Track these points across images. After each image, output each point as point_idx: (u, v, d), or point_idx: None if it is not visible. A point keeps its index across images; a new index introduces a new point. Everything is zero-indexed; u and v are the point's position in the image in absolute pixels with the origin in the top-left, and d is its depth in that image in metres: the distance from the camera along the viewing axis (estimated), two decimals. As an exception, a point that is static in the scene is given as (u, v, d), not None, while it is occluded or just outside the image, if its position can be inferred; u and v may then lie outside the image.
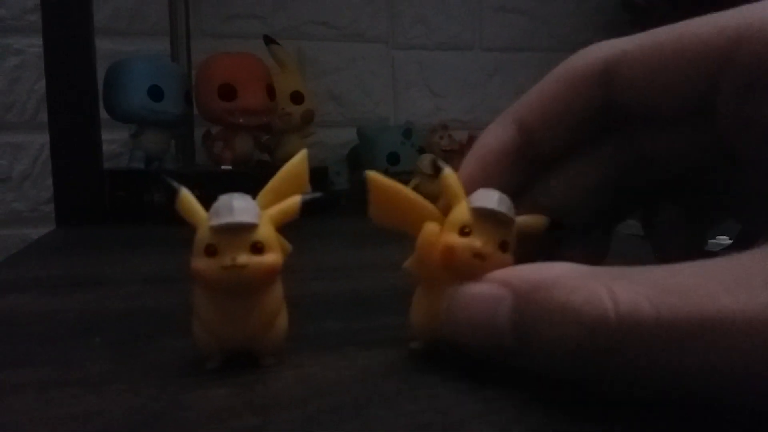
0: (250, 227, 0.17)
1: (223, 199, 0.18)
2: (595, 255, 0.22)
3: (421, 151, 0.70)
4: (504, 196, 0.18)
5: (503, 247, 0.18)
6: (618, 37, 0.20)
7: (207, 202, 0.18)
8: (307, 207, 0.19)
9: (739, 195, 0.21)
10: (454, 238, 0.18)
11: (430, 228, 0.18)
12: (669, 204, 0.22)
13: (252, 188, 0.19)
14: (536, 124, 0.20)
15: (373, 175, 0.19)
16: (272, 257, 0.18)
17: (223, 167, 0.58)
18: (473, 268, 0.17)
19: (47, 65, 0.50)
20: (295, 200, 0.19)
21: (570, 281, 0.14)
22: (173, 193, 0.18)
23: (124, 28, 0.74)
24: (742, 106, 0.17)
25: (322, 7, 0.79)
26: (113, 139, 0.70)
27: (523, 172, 0.21)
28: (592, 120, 0.19)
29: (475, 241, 0.17)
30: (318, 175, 0.64)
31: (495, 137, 0.20)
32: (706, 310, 0.12)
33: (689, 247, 0.22)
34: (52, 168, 0.51)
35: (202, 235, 0.17)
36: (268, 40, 0.67)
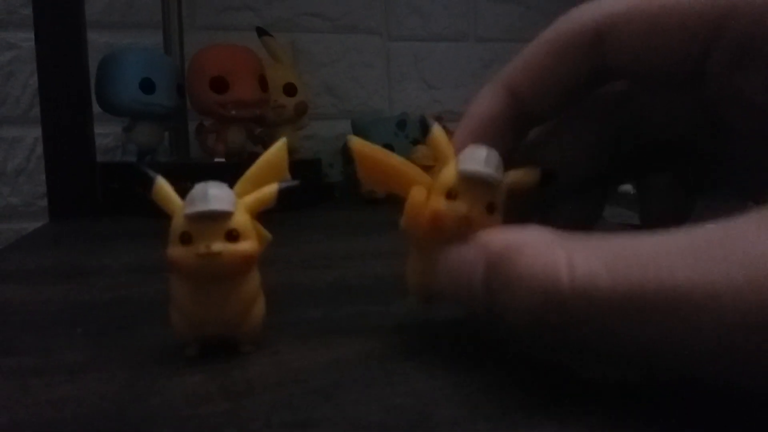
0: (224, 215, 0.17)
1: (199, 188, 0.18)
2: (588, 215, 0.23)
3: (416, 142, 0.70)
4: (493, 153, 0.18)
5: (490, 208, 0.18)
6: None
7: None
8: (284, 195, 0.19)
9: (727, 163, 0.21)
10: (440, 203, 0.18)
11: (417, 193, 0.18)
12: (660, 170, 0.22)
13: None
14: (527, 89, 0.20)
15: (356, 142, 0.19)
16: (247, 245, 0.18)
17: (216, 160, 0.58)
18: (460, 232, 0.17)
19: (39, 59, 0.51)
20: (272, 188, 0.19)
21: (534, 248, 0.15)
22: (149, 183, 0.18)
23: (117, 21, 0.74)
24: (731, 76, 0.17)
25: (316, -1, 0.79)
26: (107, 132, 0.70)
27: (516, 136, 0.21)
28: (583, 83, 0.19)
29: (461, 206, 0.17)
30: (312, 168, 0.64)
31: (486, 103, 0.20)
32: (664, 282, 0.12)
33: (677, 213, 0.22)
34: (45, 161, 0.51)
35: (177, 223, 0.18)
36: (261, 32, 0.67)
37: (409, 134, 0.71)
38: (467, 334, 0.21)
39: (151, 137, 0.57)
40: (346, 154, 0.77)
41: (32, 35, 0.70)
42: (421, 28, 0.85)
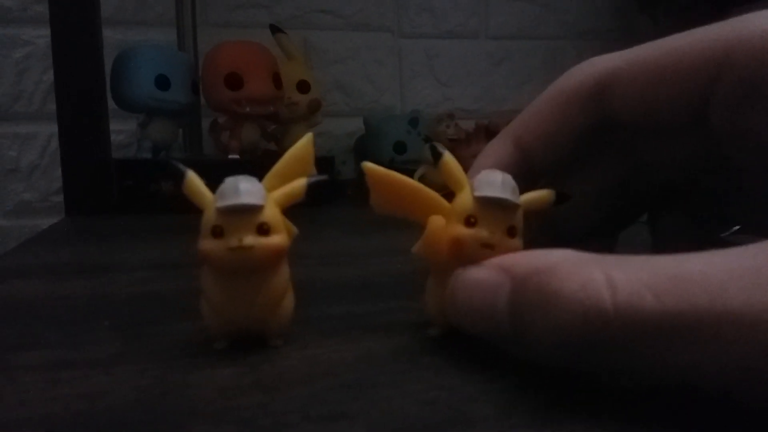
0: (256, 209, 0.17)
1: (230, 181, 0.18)
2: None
3: (428, 140, 0.70)
4: (507, 177, 0.18)
5: (511, 232, 0.18)
6: (612, 52, 0.20)
7: (213, 191, 0.18)
8: (312, 189, 0.19)
9: (738, 200, 0.21)
10: (460, 230, 0.17)
11: (436, 221, 0.18)
12: (673, 209, 0.22)
13: (259, 177, 0.19)
14: (533, 142, 0.20)
15: (370, 166, 0.19)
16: (278, 238, 0.18)
17: (230, 156, 0.58)
18: (482, 257, 0.17)
19: (55, 56, 0.51)
20: (300, 182, 0.19)
21: (567, 267, 0.14)
22: (180, 177, 0.18)
23: (130, 18, 0.74)
24: (734, 117, 0.17)
25: (328, -4, 0.79)
26: (121, 129, 0.70)
27: (524, 188, 0.21)
28: (587, 136, 0.20)
29: (482, 232, 0.17)
30: (324, 165, 0.64)
31: (494, 155, 0.21)
32: (714, 304, 0.12)
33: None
34: (61, 158, 0.51)
35: (209, 217, 0.18)
36: (275, 29, 0.67)
37: (421, 131, 0.71)
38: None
39: (165, 134, 0.57)
40: (358, 151, 0.77)
41: (45, 32, 0.71)
42: (433, 26, 0.84)
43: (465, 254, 0.17)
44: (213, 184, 0.18)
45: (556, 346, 0.14)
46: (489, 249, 0.17)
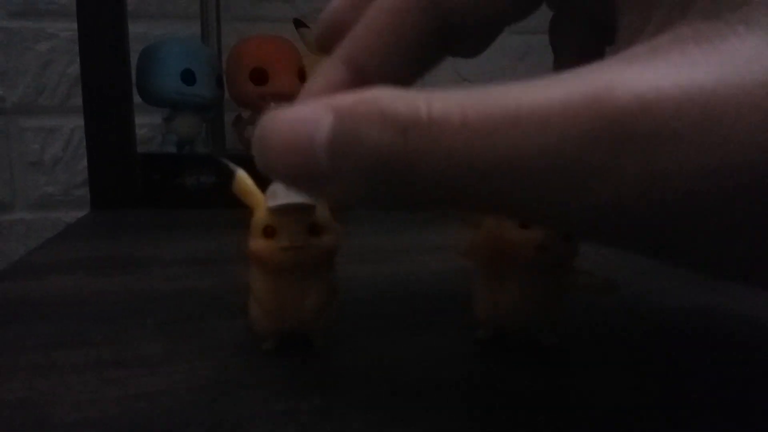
0: (308, 208, 0.17)
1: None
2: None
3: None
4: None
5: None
6: None
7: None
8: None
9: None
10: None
11: (488, 226, 0.18)
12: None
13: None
14: (368, 60, 0.19)
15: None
16: (329, 239, 0.18)
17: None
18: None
19: (82, 49, 0.51)
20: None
21: (392, 93, 0.13)
22: (230, 175, 0.18)
23: (154, 11, 0.74)
24: None
25: (351, -10, 0.79)
26: (143, 123, 0.70)
27: None
28: (425, 47, 0.18)
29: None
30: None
31: (324, 78, 0.19)
32: (507, 107, 0.12)
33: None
34: (87, 151, 0.51)
35: (260, 217, 0.17)
36: (298, 24, 0.66)
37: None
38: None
39: (190, 128, 0.57)
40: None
41: (69, 25, 0.71)
42: (455, 20, 0.84)
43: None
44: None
45: (372, 170, 0.13)
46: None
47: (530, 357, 0.18)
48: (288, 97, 0.57)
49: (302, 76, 0.58)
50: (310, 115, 0.15)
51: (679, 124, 0.10)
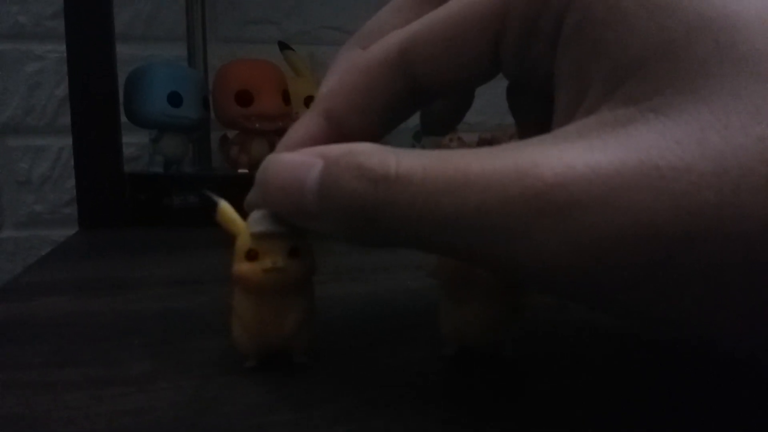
0: (287, 234, 0.19)
1: (261, 211, 0.19)
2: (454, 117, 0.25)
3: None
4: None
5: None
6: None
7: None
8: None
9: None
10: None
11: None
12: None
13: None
14: (344, 113, 0.20)
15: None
16: (307, 261, 0.19)
17: (239, 170, 0.59)
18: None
19: (70, 71, 0.52)
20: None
21: (373, 149, 0.16)
22: (214, 206, 0.19)
23: (141, 33, 0.75)
24: (519, 57, 0.18)
25: (335, 12, 0.80)
26: (130, 142, 0.71)
27: None
28: (397, 101, 0.20)
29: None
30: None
31: (304, 128, 0.21)
32: (461, 170, 0.14)
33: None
34: (75, 172, 0.52)
35: (243, 242, 0.19)
36: (283, 46, 0.68)
37: (425, 145, 0.72)
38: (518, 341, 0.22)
39: (177, 149, 0.58)
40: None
41: (57, 47, 0.72)
42: (437, 41, 0.86)
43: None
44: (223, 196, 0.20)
45: (350, 214, 0.16)
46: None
47: (494, 371, 0.20)
48: (272, 118, 0.59)
49: (286, 98, 0.60)
50: (303, 161, 0.17)
51: (586, 197, 0.12)
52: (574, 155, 0.13)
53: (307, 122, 0.21)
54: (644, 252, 0.12)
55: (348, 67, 0.20)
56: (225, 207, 0.19)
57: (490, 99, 0.90)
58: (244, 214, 0.19)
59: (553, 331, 0.24)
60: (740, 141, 0.12)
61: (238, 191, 0.21)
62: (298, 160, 0.18)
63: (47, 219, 0.76)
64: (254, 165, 0.59)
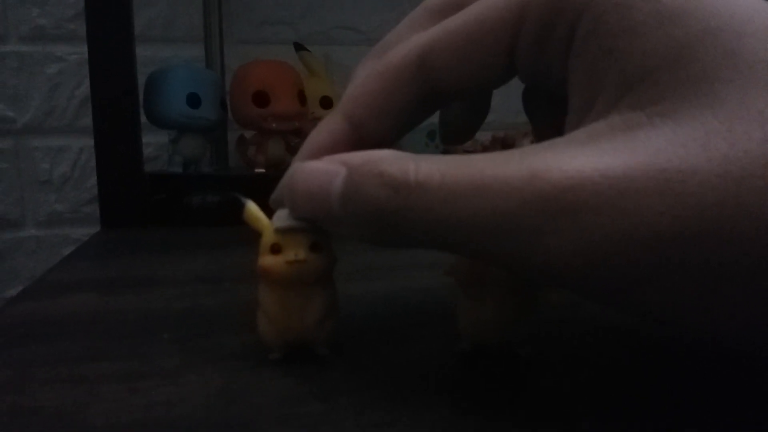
0: (310, 228, 0.20)
1: (284, 209, 0.20)
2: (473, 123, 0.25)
3: (445, 152, 0.72)
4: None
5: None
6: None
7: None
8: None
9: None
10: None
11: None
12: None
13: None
14: (364, 117, 0.21)
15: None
16: (328, 254, 0.20)
17: (256, 170, 0.60)
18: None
19: (92, 72, 0.53)
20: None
21: (394, 156, 0.17)
22: (241, 206, 0.20)
23: (158, 35, 0.77)
24: (534, 61, 0.18)
25: (350, 13, 0.81)
26: (149, 142, 0.72)
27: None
28: (416, 106, 0.21)
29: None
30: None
31: (327, 131, 0.22)
32: (476, 175, 0.15)
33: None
34: (97, 171, 0.53)
35: (268, 237, 0.20)
36: (298, 47, 0.69)
37: (439, 144, 0.72)
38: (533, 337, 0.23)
39: (195, 149, 0.60)
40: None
41: (77, 49, 0.74)
42: (451, 40, 0.86)
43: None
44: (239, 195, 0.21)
45: (373, 219, 0.17)
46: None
47: (509, 366, 0.21)
48: (288, 118, 0.60)
49: (302, 99, 0.61)
50: (327, 170, 0.18)
51: (595, 200, 0.13)
52: (584, 160, 0.14)
53: (329, 125, 0.22)
54: (651, 252, 0.13)
55: (369, 73, 0.21)
56: (251, 207, 0.20)
57: (503, 98, 0.90)
58: (267, 213, 0.20)
59: (567, 329, 0.25)
60: (743, 145, 0.13)
61: (255, 190, 0.22)
62: (323, 169, 0.18)
63: (68, 218, 0.77)
64: (271, 164, 0.60)
